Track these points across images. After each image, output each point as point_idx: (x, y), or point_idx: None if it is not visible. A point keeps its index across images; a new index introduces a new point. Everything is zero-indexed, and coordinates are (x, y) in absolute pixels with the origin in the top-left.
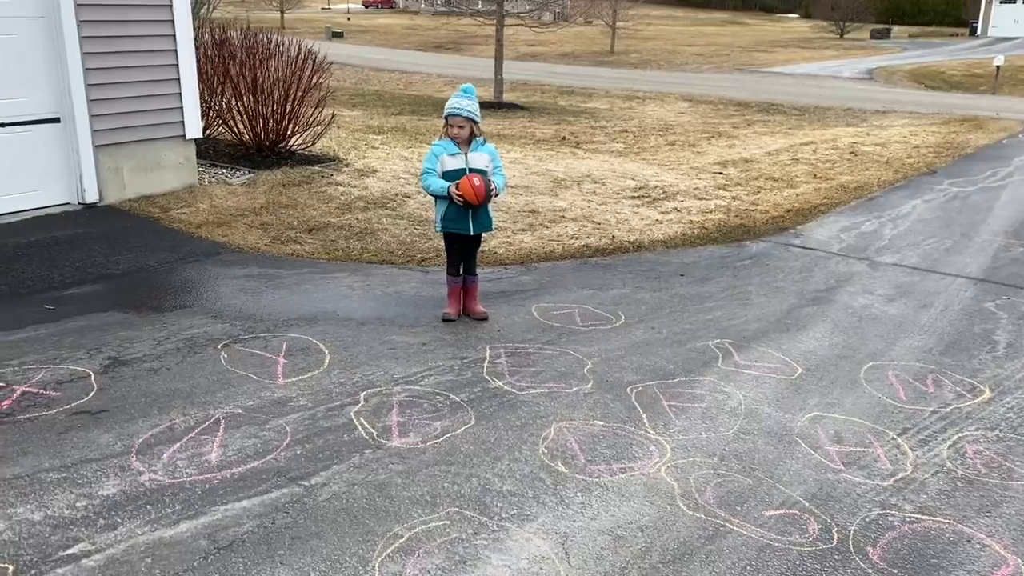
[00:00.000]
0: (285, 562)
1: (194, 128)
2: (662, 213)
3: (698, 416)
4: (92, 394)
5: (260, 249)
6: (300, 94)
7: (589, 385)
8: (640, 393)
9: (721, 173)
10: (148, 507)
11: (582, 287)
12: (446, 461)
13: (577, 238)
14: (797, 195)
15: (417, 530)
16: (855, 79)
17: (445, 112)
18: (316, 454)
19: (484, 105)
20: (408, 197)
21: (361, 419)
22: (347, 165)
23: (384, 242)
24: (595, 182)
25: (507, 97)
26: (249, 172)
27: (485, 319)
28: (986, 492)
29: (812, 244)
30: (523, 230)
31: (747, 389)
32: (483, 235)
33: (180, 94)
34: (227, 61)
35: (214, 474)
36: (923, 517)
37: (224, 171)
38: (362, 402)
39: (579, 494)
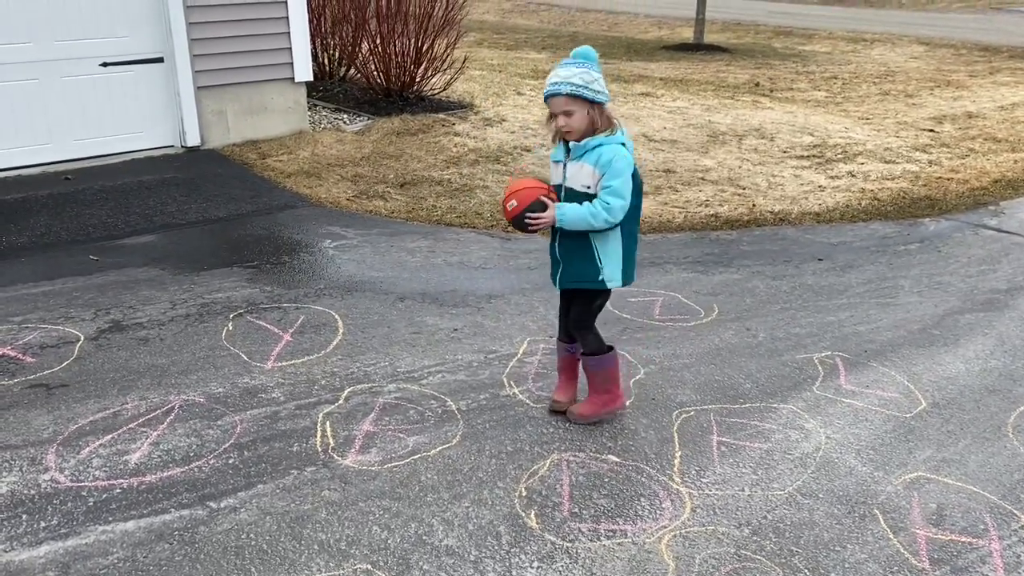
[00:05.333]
0: None
1: (304, 70)
2: (830, 178)
3: (751, 462)
4: (65, 363)
5: (340, 204)
6: (430, 34)
7: (628, 402)
8: (688, 421)
9: (931, 130)
10: (23, 517)
11: (684, 268)
12: (393, 494)
13: (708, 205)
14: (1016, 161)
15: None
16: None
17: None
18: (249, 466)
19: (682, 47)
20: (527, 151)
21: (327, 424)
22: (476, 113)
23: (477, 202)
24: (762, 137)
25: (712, 39)
26: (368, 118)
27: (584, 420)
28: None
29: (1011, 227)
30: (645, 193)
31: (836, 427)
32: (581, 293)
33: (288, 34)
34: None
35: (121, 480)
36: None
37: (345, 117)
38: (340, 401)
39: (534, 565)
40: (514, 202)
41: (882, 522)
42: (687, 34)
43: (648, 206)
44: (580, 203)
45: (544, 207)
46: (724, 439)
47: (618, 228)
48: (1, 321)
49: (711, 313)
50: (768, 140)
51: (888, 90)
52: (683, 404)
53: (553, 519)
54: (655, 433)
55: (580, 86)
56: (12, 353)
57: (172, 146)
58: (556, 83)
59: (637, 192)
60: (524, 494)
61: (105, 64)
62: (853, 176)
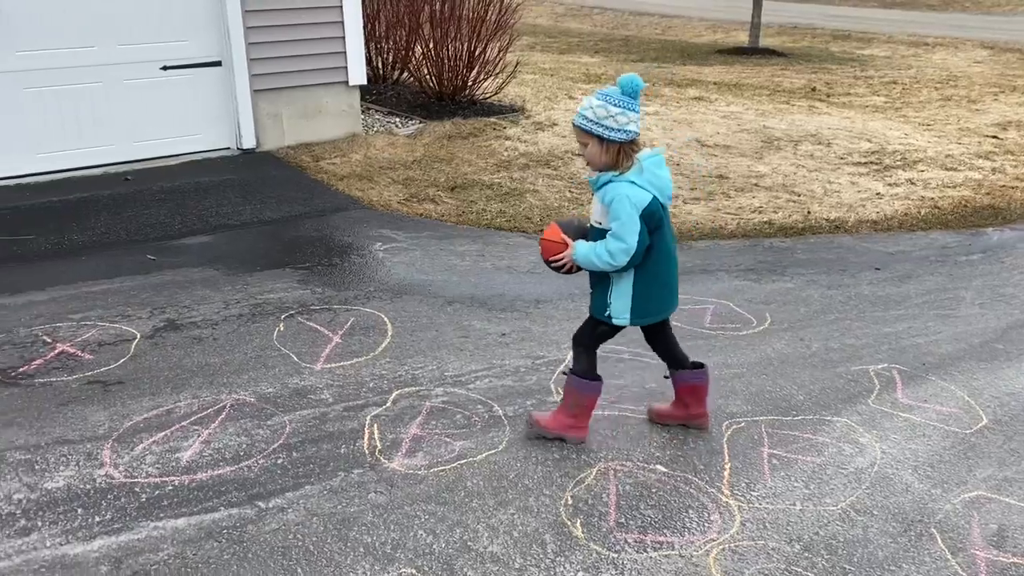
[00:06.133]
0: None
1: (358, 74)
2: (888, 185)
3: (803, 476)
4: (122, 361)
5: (391, 207)
6: (483, 38)
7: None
8: (738, 432)
9: (995, 137)
10: (79, 511)
11: (736, 276)
12: (438, 498)
13: (761, 212)
14: None
15: None
16: None
17: None
18: (297, 467)
19: (736, 51)
20: (579, 155)
21: (374, 426)
22: (528, 117)
23: (527, 206)
24: (818, 143)
25: (768, 42)
26: (420, 122)
27: (538, 427)
28: None
29: None
30: (696, 199)
31: (892, 442)
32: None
33: (343, 38)
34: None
35: (173, 478)
36: None
37: (397, 120)
38: (388, 404)
39: (579, 575)
40: (549, 233)
41: (940, 542)
42: (742, 38)
43: (700, 212)
44: (598, 238)
45: (566, 242)
46: (775, 452)
47: (632, 268)
48: (62, 318)
49: (763, 322)
50: (824, 146)
51: (950, 95)
52: (733, 415)
53: (599, 529)
54: (704, 444)
55: (591, 121)
56: (71, 350)
57: (228, 148)
58: (579, 112)
59: (661, 230)
60: (570, 502)
61: (165, 68)
62: (913, 184)
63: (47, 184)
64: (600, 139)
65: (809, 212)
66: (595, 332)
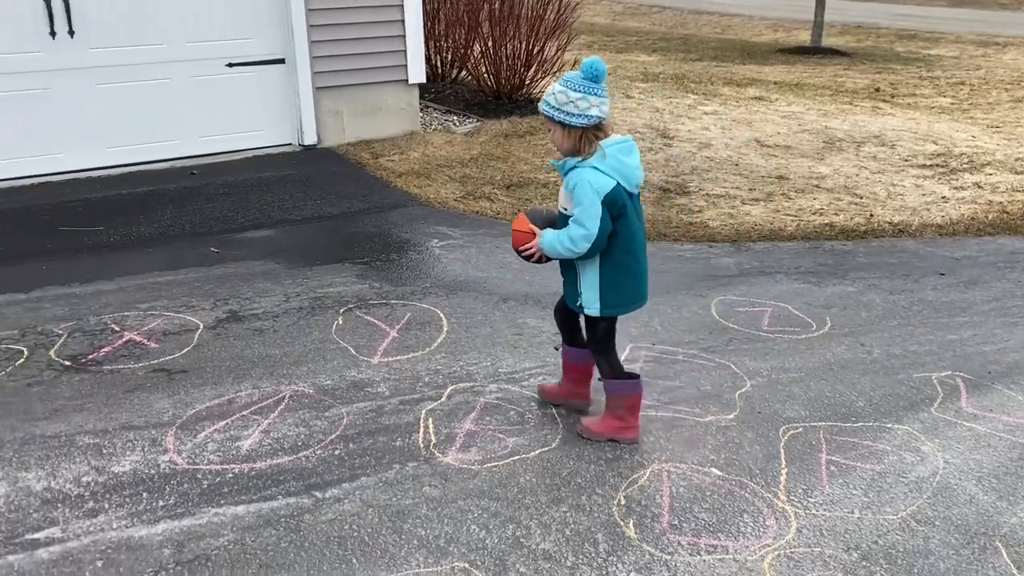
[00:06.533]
0: None
1: (417, 73)
2: (954, 188)
3: (862, 483)
4: (186, 350)
5: (448, 204)
6: (541, 36)
7: (731, 416)
8: (795, 437)
9: None
10: (143, 495)
11: (795, 279)
12: (492, 494)
13: (822, 214)
14: None
15: None
16: None
17: None
18: (354, 458)
19: (798, 51)
20: None
21: (429, 420)
22: None
23: None
24: (882, 144)
25: (831, 41)
26: (478, 120)
27: (588, 434)
28: None
29: None
30: (756, 200)
31: (955, 452)
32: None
33: (404, 36)
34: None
35: (233, 465)
36: None
37: (455, 118)
38: (443, 399)
39: (631, 575)
40: (518, 224)
41: (1004, 556)
42: (804, 37)
43: (759, 213)
44: (565, 225)
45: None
46: (834, 458)
47: (596, 256)
48: (130, 307)
49: (823, 326)
50: (888, 148)
51: (1021, 97)
52: (791, 420)
53: (652, 530)
54: (760, 448)
55: (552, 107)
56: (138, 338)
57: (290, 144)
58: (544, 99)
59: (625, 218)
60: (623, 502)
61: (231, 64)
62: (980, 187)
63: (117, 177)
64: (562, 124)
65: (872, 215)
66: (597, 334)
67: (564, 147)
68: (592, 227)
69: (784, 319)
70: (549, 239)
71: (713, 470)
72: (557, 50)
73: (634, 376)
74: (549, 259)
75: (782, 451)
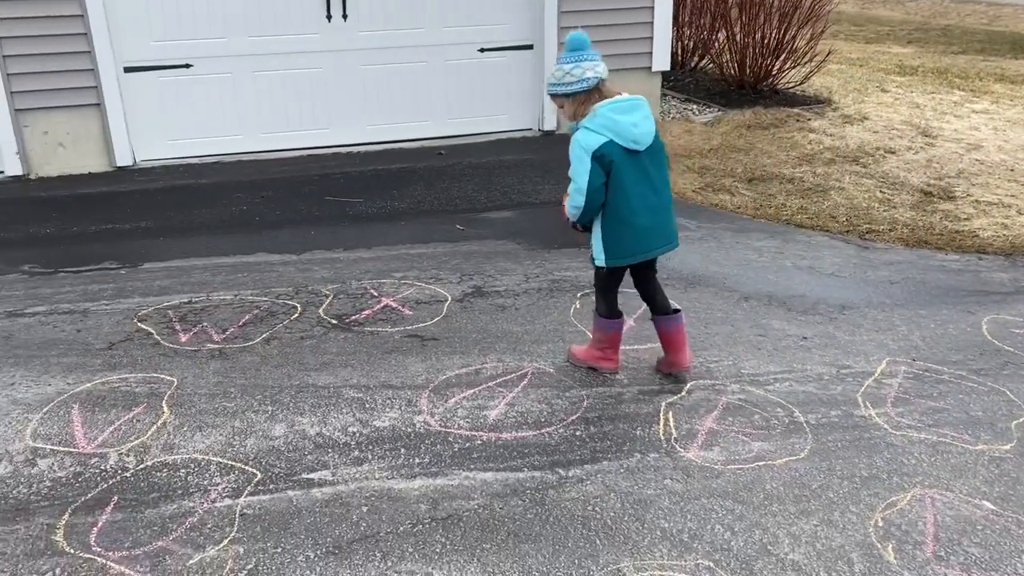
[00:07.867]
0: (482, 560)
1: (662, 60)
2: None
3: None
4: (436, 320)
5: (685, 195)
6: (794, 25)
7: (1008, 446)
8: None
9: None
10: (401, 451)
11: None
12: (736, 496)
13: None
14: None
15: (646, 574)
16: None
17: None
18: (595, 441)
19: None
20: (891, 153)
21: (669, 414)
22: (835, 109)
23: (831, 204)
24: None
25: None
26: (719, 110)
27: (573, 359)
28: None
29: None
30: None
31: None
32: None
33: (652, 23)
34: None
35: (481, 433)
36: None
37: (694, 107)
38: (683, 393)
39: None
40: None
41: None
42: None
43: None
44: None
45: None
46: None
47: (599, 210)
48: (386, 275)
49: None
50: None
51: None
52: None
53: (914, 558)
54: None
55: (555, 84)
56: (394, 304)
57: (530, 129)
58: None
59: (618, 173)
60: (880, 524)
61: (482, 50)
62: None
63: (373, 154)
64: (566, 96)
65: None
66: (599, 278)
67: (568, 114)
68: (581, 181)
69: None
70: (570, 204)
71: (985, 503)
72: (811, 39)
73: (619, 315)
74: (586, 227)
75: None
